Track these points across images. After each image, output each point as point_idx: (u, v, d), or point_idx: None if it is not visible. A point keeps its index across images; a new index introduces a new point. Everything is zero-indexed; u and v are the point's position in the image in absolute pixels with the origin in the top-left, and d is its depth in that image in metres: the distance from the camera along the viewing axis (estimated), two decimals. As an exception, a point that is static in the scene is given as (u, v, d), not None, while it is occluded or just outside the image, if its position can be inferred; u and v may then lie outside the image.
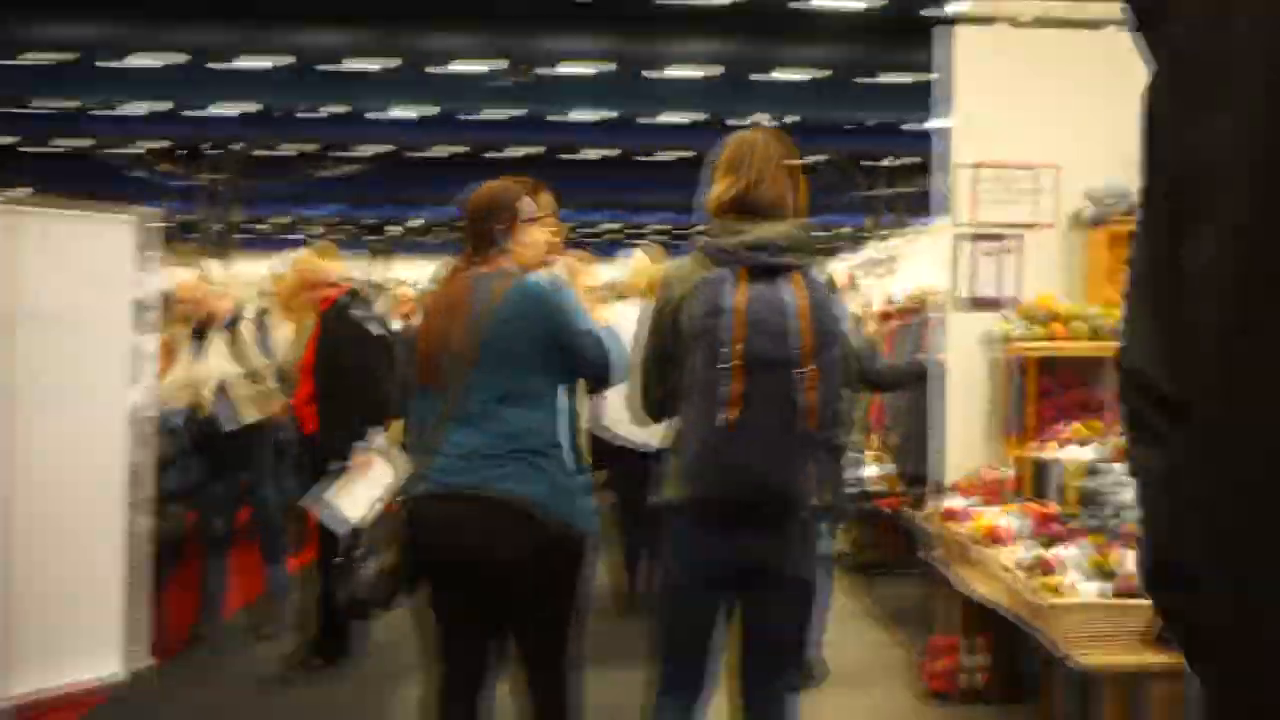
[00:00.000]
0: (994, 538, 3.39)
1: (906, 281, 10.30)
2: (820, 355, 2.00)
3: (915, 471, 4.54)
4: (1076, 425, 3.56)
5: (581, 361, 2.33)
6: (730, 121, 21.63)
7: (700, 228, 2.19)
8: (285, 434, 4.35)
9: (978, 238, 4.12)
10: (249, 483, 4.39)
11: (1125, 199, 3.98)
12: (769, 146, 2.16)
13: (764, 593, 2.17)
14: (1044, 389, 3.86)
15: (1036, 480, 3.59)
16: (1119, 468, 3.21)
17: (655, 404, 2.22)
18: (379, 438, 3.87)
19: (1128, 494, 2.96)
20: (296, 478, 4.20)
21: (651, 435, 4.89)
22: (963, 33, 4.11)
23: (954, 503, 3.96)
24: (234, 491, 4.39)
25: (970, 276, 4.12)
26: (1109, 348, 3.80)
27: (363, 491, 3.65)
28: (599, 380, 2.43)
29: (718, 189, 2.14)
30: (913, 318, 4.99)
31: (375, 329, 4.27)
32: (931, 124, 4.29)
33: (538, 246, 2.43)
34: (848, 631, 4.70)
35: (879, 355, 4.63)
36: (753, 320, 1.95)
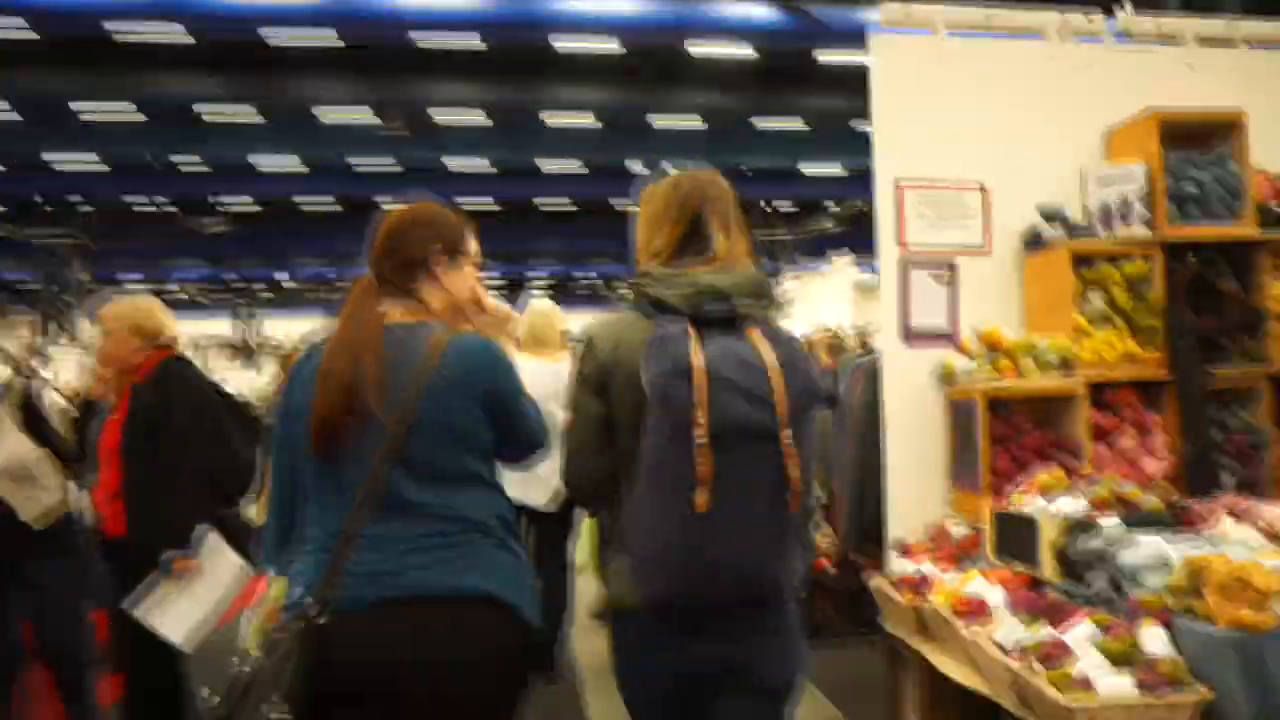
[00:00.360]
0: (969, 611, 2.89)
1: (803, 323, 10.27)
2: (798, 420, 1.67)
3: (856, 528, 4.05)
4: (1041, 475, 3.13)
5: (518, 436, 1.98)
6: (616, 169, 21.50)
7: (638, 277, 1.87)
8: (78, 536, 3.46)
9: (914, 264, 3.69)
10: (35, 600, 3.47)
11: (1064, 221, 3.64)
12: (719, 185, 1.94)
13: (739, 702, 1.86)
14: (996, 434, 3.42)
15: (1006, 540, 3.13)
16: (1106, 523, 2.78)
17: (600, 483, 1.89)
18: (212, 535, 3.09)
19: (1127, 556, 2.51)
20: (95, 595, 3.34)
21: (545, 496, 4.18)
22: (881, 41, 3.73)
23: (908, 566, 3.46)
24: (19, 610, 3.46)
25: (908, 308, 3.69)
26: (1064, 385, 3.39)
27: (188, 607, 2.88)
28: (528, 457, 2.06)
29: (662, 231, 1.89)
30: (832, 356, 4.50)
31: (219, 390, 3.52)
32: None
33: (463, 295, 2.02)
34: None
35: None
36: (722, 381, 1.62)
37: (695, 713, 1.87)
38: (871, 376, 3.86)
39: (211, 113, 19.82)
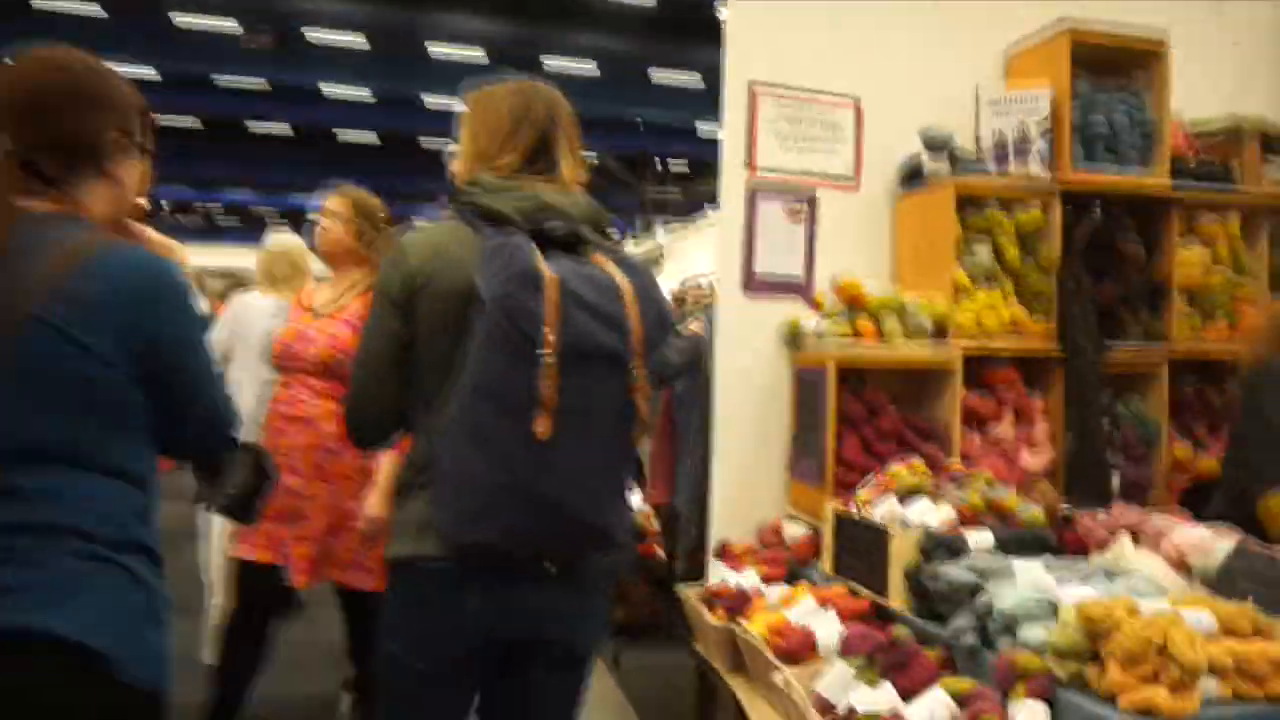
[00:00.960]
0: (789, 648, 2.16)
1: (672, 278, 9.30)
2: (648, 353, 1.49)
3: (678, 513, 3.31)
4: (898, 469, 2.42)
5: (188, 416, 1.35)
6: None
7: (466, 186, 1.59)
8: None
9: (764, 193, 2.91)
10: None
11: (951, 153, 2.92)
12: (566, 105, 1.72)
13: (544, 673, 1.60)
14: (847, 413, 2.69)
15: (848, 553, 2.41)
16: (976, 543, 2.08)
17: (389, 418, 1.62)
18: None
19: (1001, 596, 1.80)
20: None
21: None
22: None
23: (728, 575, 2.72)
24: None
25: (752, 248, 2.91)
26: (935, 356, 2.69)
27: None
28: (205, 453, 1.48)
29: (508, 143, 1.64)
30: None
31: None
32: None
33: (130, 197, 1.42)
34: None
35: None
36: (573, 297, 1.41)
37: (488, 685, 1.61)
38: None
39: (48, 4, 17.49)
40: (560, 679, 1.63)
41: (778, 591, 2.57)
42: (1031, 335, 2.86)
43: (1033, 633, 1.73)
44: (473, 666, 1.57)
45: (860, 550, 2.33)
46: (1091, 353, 2.81)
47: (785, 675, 2.06)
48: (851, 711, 1.86)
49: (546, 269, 1.42)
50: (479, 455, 1.42)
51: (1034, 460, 2.82)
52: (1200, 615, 1.64)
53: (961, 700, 1.66)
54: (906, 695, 1.82)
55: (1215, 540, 2.06)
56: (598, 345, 1.44)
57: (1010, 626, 1.78)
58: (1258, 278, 3.21)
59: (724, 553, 2.85)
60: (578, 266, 1.47)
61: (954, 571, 1.92)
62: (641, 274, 1.53)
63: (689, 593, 2.75)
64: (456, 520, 1.45)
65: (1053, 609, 1.77)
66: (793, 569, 2.70)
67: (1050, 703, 1.64)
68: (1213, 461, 3.13)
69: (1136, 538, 2.11)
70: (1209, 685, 1.56)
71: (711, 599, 2.60)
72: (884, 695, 1.84)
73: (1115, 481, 2.93)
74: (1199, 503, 2.70)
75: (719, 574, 2.79)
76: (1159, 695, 1.50)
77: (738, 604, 2.50)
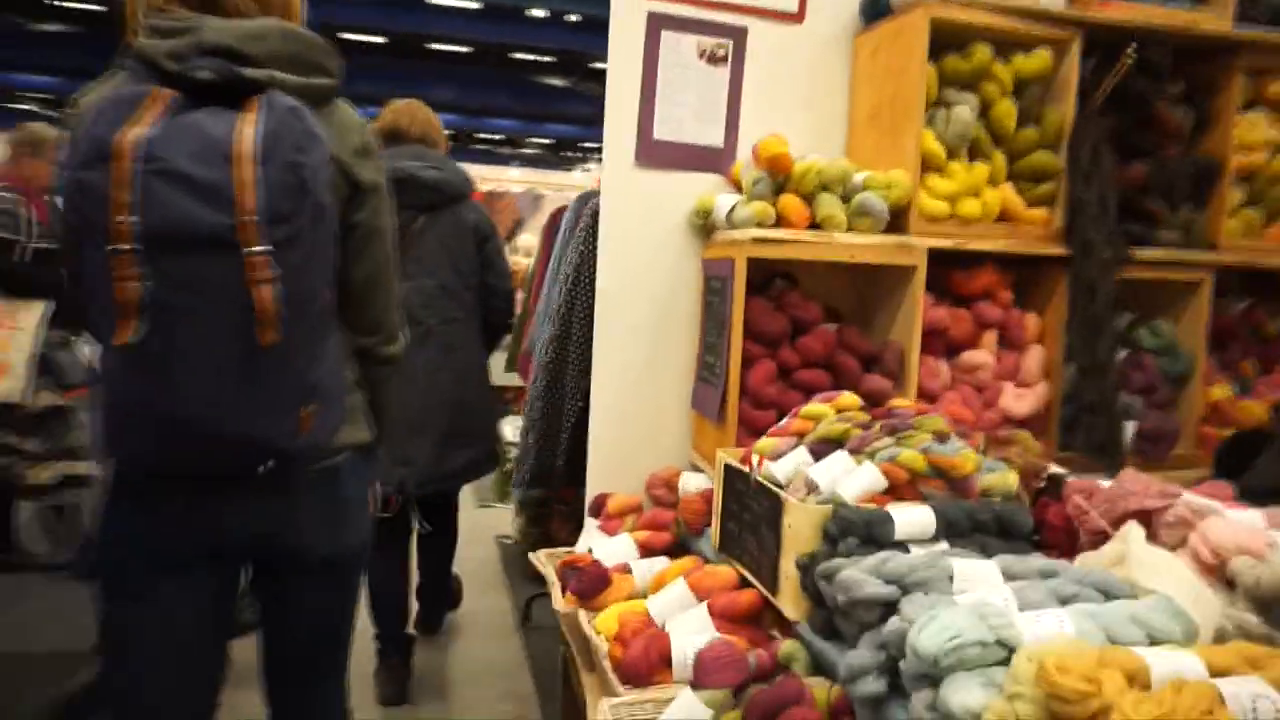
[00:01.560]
0: (631, 661, 1.49)
1: None
2: (284, 230, 1.18)
3: (540, 454, 2.64)
4: (816, 406, 1.70)
5: None
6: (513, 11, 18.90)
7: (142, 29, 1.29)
8: None
9: (670, 22, 2.11)
10: None
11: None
12: None
13: (296, 579, 1.48)
14: (759, 327, 1.95)
15: (734, 521, 1.71)
16: (903, 522, 1.37)
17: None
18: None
19: (923, 631, 1.09)
20: None
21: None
22: None
23: (594, 540, 2.04)
24: None
25: (651, 100, 2.12)
26: (886, 249, 1.94)
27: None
28: None
29: None
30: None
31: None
32: None
33: None
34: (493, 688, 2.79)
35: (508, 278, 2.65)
36: (159, 168, 1.15)
37: (261, 596, 1.51)
38: (594, 222, 2.33)
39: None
40: (316, 585, 1.51)
41: (657, 566, 1.89)
42: (1026, 230, 2.09)
43: (965, 694, 1.02)
44: (189, 574, 1.40)
45: (751, 523, 1.62)
46: (1109, 257, 2.04)
47: (604, 713, 1.38)
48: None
49: (130, 134, 1.14)
50: (104, 371, 1.27)
51: (1020, 403, 2.08)
52: (1257, 690, 0.93)
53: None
54: (765, 769, 1.14)
55: (1270, 535, 1.34)
56: (192, 226, 1.16)
57: (933, 675, 1.08)
58: (1341, 165, 2.40)
59: (598, 509, 2.16)
60: (199, 124, 1.19)
61: (856, 576, 1.22)
62: (293, 122, 1.20)
63: (541, 557, 2.07)
64: (103, 440, 1.32)
65: (1004, 654, 1.07)
66: (683, 536, 2.02)
67: (981, 824, 0.95)
68: (1261, 408, 2.38)
69: (1150, 525, 1.39)
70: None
71: (564, 572, 1.92)
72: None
73: (1129, 434, 2.20)
74: (1240, 465, 1.97)
75: (589, 538, 2.11)
76: None
77: (590, 584, 1.82)
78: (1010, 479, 1.54)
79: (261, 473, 1.33)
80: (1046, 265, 2.14)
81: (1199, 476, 2.22)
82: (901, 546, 1.37)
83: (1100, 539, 1.43)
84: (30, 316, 3.22)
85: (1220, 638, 1.16)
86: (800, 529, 1.44)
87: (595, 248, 2.22)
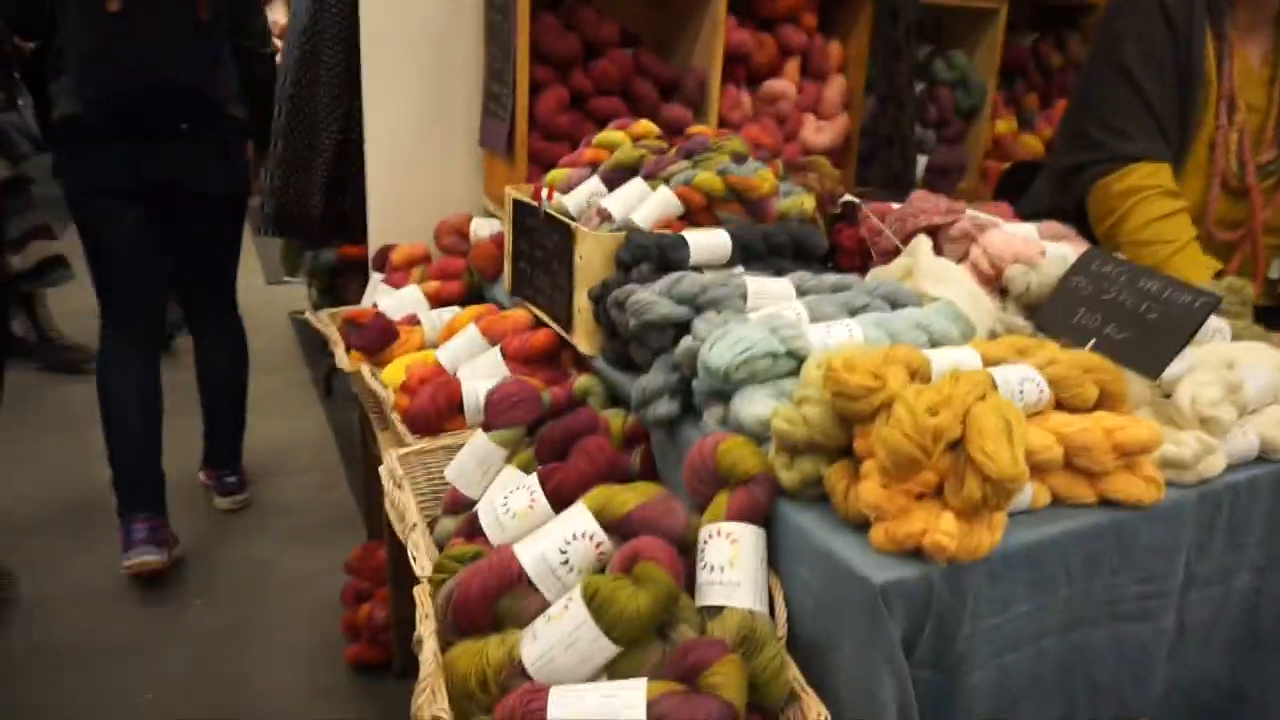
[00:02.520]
0: (414, 410, 1.40)
1: None
2: None
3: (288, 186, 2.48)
4: (611, 133, 1.56)
5: None
6: None
7: None
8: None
9: None
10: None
11: None
12: None
13: (196, 211, 2.24)
14: (555, 50, 1.74)
15: (525, 259, 1.60)
16: (704, 243, 1.29)
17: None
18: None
19: (720, 330, 1.03)
20: None
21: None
22: None
23: (379, 297, 1.88)
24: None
25: None
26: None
27: None
28: None
29: None
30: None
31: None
32: None
33: None
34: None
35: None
36: None
37: (164, 225, 2.22)
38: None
39: None
40: (209, 216, 2.28)
41: (447, 315, 1.77)
42: (834, -55, 1.95)
43: (755, 404, 1.00)
44: (134, 202, 2.12)
45: (543, 260, 1.51)
46: (914, -26, 1.95)
47: (391, 463, 1.30)
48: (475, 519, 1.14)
49: None
50: (82, 34, 1.95)
51: (821, 135, 2.03)
52: (1024, 374, 0.95)
53: (616, 523, 0.95)
54: (557, 498, 1.10)
55: (1041, 244, 1.38)
56: None
57: (725, 391, 1.05)
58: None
59: (383, 262, 1.98)
60: None
61: (647, 298, 1.14)
62: None
63: (322, 317, 1.89)
64: (75, 86, 1.99)
65: (795, 364, 1.04)
66: (477, 284, 1.89)
67: (767, 524, 0.95)
68: (1039, 142, 2.47)
69: (937, 239, 1.40)
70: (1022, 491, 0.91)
71: (346, 328, 1.76)
72: (521, 497, 1.11)
73: (920, 166, 2.23)
74: (1018, 192, 2.04)
75: (374, 293, 1.94)
76: (940, 528, 0.83)
77: (375, 338, 1.68)
78: (807, 202, 1.49)
79: (183, 129, 2.06)
80: (849, -12, 2.02)
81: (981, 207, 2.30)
82: (697, 271, 1.31)
83: (892, 257, 1.44)
84: None
85: (993, 339, 1.19)
86: (592, 259, 1.35)
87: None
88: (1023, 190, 2.03)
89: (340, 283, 3.30)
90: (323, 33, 2.06)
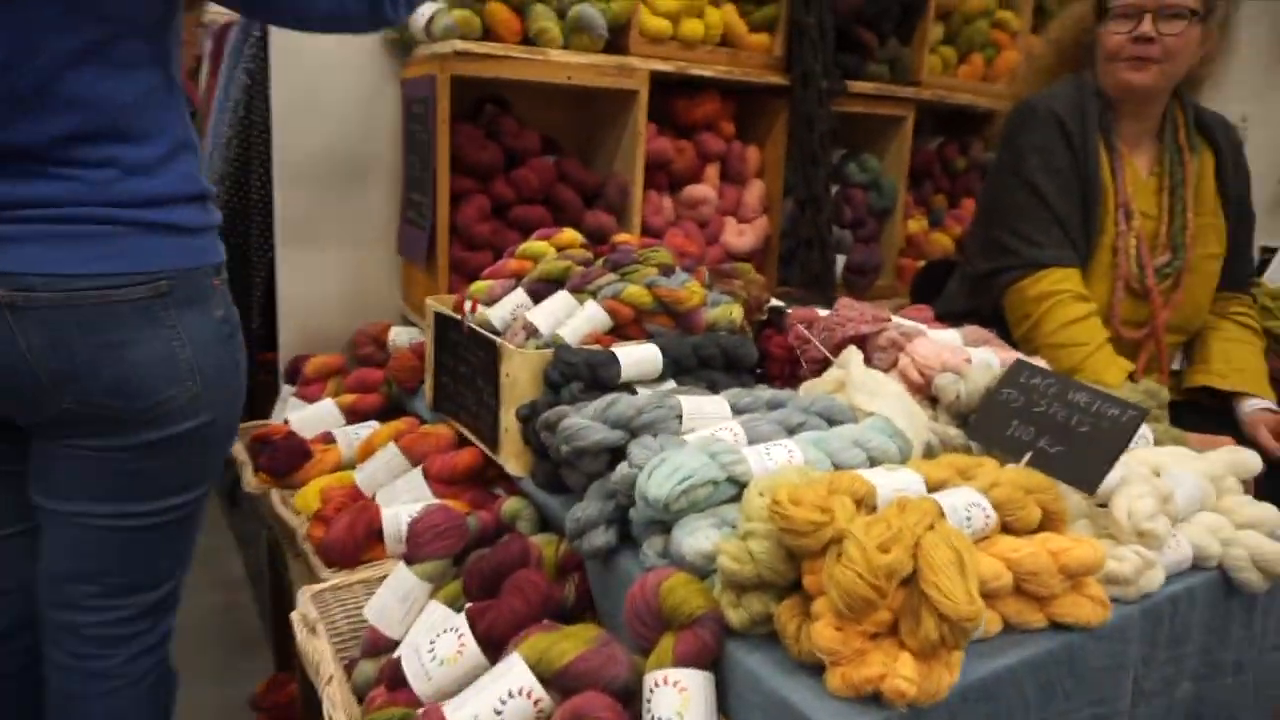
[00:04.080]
0: (330, 541, 1.31)
1: None
2: None
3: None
4: (535, 243, 1.54)
5: None
6: None
7: None
8: None
9: None
10: None
11: None
12: None
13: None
14: (469, 157, 1.73)
15: (448, 373, 1.54)
16: (635, 358, 1.26)
17: None
18: None
19: (656, 456, 0.99)
20: None
21: None
22: None
23: (292, 410, 1.78)
24: None
25: None
26: (607, 70, 1.78)
27: None
28: None
29: None
30: None
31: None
32: None
33: None
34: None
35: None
36: None
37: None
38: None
39: None
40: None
41: (364, 431, 1.68)
42: (748, 56, 2.01)
43: (697, 537, 0.95)
44: None
45: (467, 375, 1.46)
46: (826, 87, 2.01)
47: (304, 605, 1.20)
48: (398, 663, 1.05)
49: None
50: None
51: (742, 239, 2.06)
52: (970, 499, 0.94)
53: (554, 675, 0.88)
54: (488, 641, 1.03)
55: (967, 352, 1.40)
56: None
57: (665, 520, 1.00)
58: (1022, 5, 2.54)
59: (295, 374, 1.89)
60: None
61: (580, 423, 1.10)
62: None
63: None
64: None
65: (736, 490, 1.01)
66: (396, 397, 1.81)
67: (715, 666, 0.90)
68: (948, 239, 2.56)
69: (865, 348, 1.40)
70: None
71: (254, 447, 1.66)
72: (449, 642, 1.03)
73: (839, 265, 2.27)
74: (932, 291, 2.09)
75: (286, 407, 1.84)
76: (899, 672, 0.79)
77: (284, 459, 1.58)
78: (735, 312, 1.48)
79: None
80: (766, 95, 2.08)
81: (898, 304, 2.35)
82: (628, 388, 1.28)
83: (821, 366, 1.43)
84: None
85: (929, 452, 1.19)
86: (519, 377, 1.30)
87: (268, 65, 1.85)
88: (937, 288, 2.08)
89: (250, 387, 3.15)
90: (254, 146, 1.98)
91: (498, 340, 1.34)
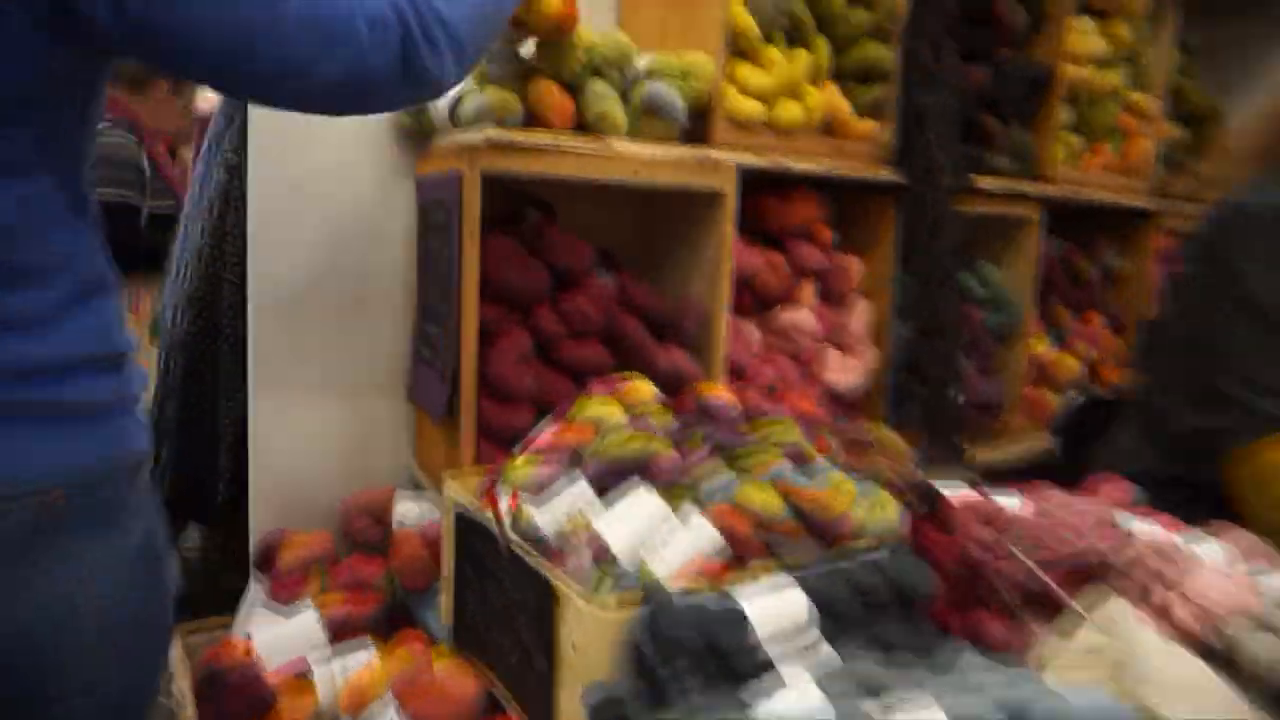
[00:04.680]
0: None
1: None
2: None
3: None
4: (596, 398, 1.09)
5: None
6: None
7: None
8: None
9: None
10: None
11: None
12: None
13: None
14: (513, 282, 1.29)
15: (472, 598, 1.07)
16: (773, 611, 0.79)
17: None
18: None
19: None
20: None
21: None
22: None
23: (260, 617, 1.31)
24: None
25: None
26: (683, 165, 1.35)
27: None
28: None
29: None
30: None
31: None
32: None
33: None
34: None
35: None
36: None
37: None
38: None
39: None
40: None
41: (353, 664, 1.20)
42: (854, 147, 1.59)
43: None
44: None
45: (504, 612, 0.98)
46: (951, 183, 1.59)
47: None
48: None
49: None
50: None
51: (847, 375, 1.60)
52: None
53: None
54: None
55: (1261, 583, 0.92)
56: None
57: None
58: (1153, 85, 2.14)
59: (267, 561, 1.42)
60: None
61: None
62: None
63: (177, 648, 1.30)
64: None
65: None
66: (399, 599, 1.33)
67: None
68: (1074, 361, 2.10)
69: (1125, 584, 0.93)
70: None
71: (202, 685, 1.17)
72: None
73: (957, 401, 1.81)
74: (1084, 438, 1.64)
75: (252, 613, 1.36)
76: None
77: (239, 711, 1.10)
78: (889, 510, 1.01)
79: None
80: (872, 194, 1.66)
81: (1028, 450, 1.88)
82: (763, 664, 0.80)
83: (1022, 598, 0.95)
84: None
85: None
86: (586, 646, 0.83)
87: (248, 161, 1.44)
88: (1091, 433, 1.62)
89: (207, 565, 2.36)
90: (228, 259, 1.55)
91: (555, 583, 0.88)
